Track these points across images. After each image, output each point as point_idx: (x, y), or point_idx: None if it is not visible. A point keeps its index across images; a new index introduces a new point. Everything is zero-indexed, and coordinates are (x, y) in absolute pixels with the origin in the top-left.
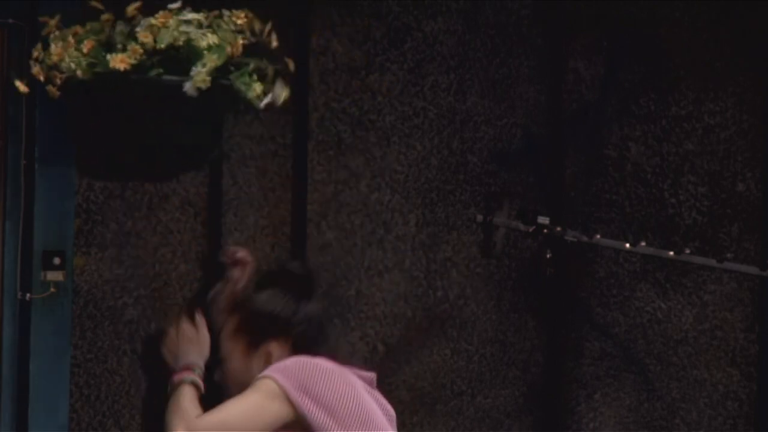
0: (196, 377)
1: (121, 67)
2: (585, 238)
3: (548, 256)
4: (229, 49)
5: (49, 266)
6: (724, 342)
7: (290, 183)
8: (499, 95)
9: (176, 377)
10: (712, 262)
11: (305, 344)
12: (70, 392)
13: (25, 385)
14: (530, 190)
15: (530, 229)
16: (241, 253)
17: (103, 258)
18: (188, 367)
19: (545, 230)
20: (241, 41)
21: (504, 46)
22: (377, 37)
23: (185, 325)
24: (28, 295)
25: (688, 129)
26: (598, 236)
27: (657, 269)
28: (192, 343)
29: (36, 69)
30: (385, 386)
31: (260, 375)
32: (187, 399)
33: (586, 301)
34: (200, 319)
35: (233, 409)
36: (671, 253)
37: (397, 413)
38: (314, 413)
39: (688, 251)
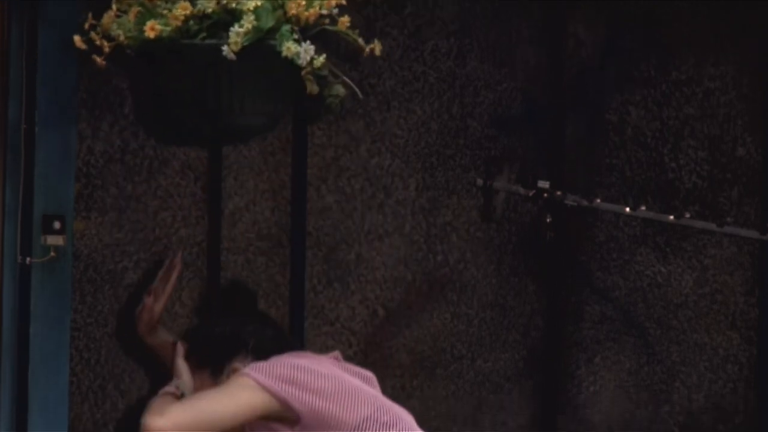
0: (174, 389)
1: (151, 35)
2: (585, 202)
3: (548, 220)
4: (280, 12)
5: (49, 230)
6: (724, 306)
7: (290, 147)
8: (499, 60)
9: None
10: (712, 226)
11: (265, 353)
12: (71, 356)
13: (25, 349)
14: (530, 155)
15: (530, 193)
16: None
17: (103, 222)
18: (169, 386)
19: (545, 194)
20: (309, 11)
21: (504, 10)
22: (377, 1)
23: (179, 361)
24: (28, 259)
25: (688, 93)
26: (599, 200)
27: (657, 233)
28: (179, 378)
29: (78, 38)
30: (385, 350)
31: (235, 375)
32: (162, 399)
33: (586, 265)
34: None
35: (206, 394)
36: (671, 217)
37: (396, 377)
38: (297, 396)
39: (688, 215)
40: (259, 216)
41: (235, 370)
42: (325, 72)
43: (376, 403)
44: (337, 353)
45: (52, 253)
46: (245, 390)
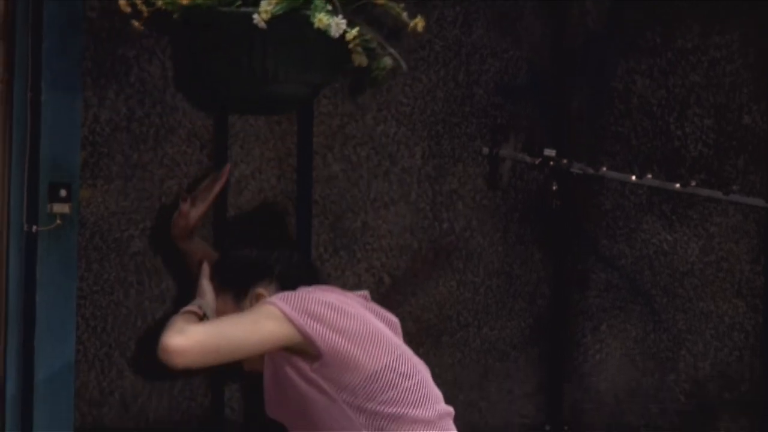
0: (197, 309)
1: (185, 1)
2: (591, 171)
3: (554, 188)
4: None
5: (55, 198)
6: (730, 274)
7: (296, 115)
8: (505, 28)
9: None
10: (718, 194)
11: (291, 282)
12: (77, 324)
13: (31, 317)
14: (536, 123)
15: (536, 162)
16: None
17: (109, 190)
18: (192, 305)
19: (551, 162)
20: None
21: None
22: None
23: (204, 281)
24: (34, 227)
25: (693, 62)
26: (605, 168)
27: (663, 201)
28: (202, 298)
29: (123, 2)
30: None
31: (260, 302)
32: (183, 317)
33: (592, 233)
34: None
35: (229, 320)
36: (677, 185)
37: None
38: (321, 333)
39: (694, 183)
40: (265, 184)
41: (258, 296)
42: (373, 44)
43: (396, 351)
44: (365, 293)
45: (58, 221)
46: (270, 319)
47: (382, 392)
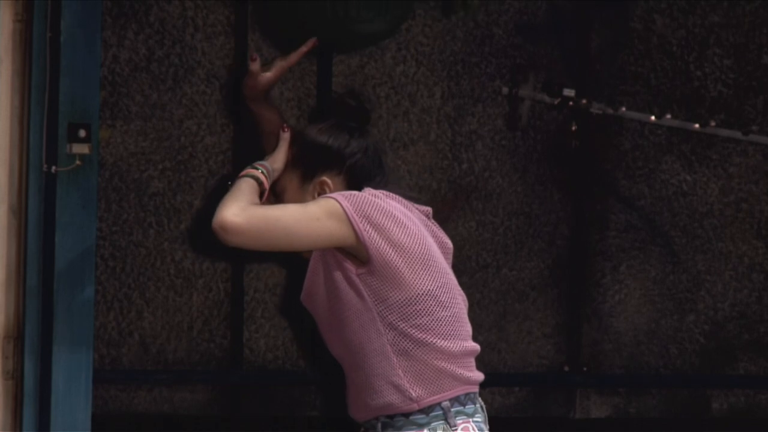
0: (261, 175)
1: None
2: (610, 111)
3: (573, 128)
4: None
5: (74, 139)
6: (749, 214)
7: (315, 55)
8: None
9: (240, 174)
10: (738, 135)
11: (359, 175)
12: (96, 264)
13: (50, 259)
14: (556, 63)
15: (556, 102)
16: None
17: (128, 130)
18: (254, 167)
19: (571, 103)
20: None
21: None
22: None
23: (283, 146)
24: (53, 167)
25: (713, 1)
26: (624, 109)
27: (682, 142)
28: (274, 164)
29: None
30: None
31: (323, 196)
32: (246, 187)
33: (612, 174)
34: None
35: (290, 210)
36: (696, 125)
37: None
38: (377, 243)
39: (713, 124)
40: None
41: (323, 183)
42: None
43: (442, 279)
44: (429, 209)
45: (78, 162)
46: (332, 219)
47: (417, 316)
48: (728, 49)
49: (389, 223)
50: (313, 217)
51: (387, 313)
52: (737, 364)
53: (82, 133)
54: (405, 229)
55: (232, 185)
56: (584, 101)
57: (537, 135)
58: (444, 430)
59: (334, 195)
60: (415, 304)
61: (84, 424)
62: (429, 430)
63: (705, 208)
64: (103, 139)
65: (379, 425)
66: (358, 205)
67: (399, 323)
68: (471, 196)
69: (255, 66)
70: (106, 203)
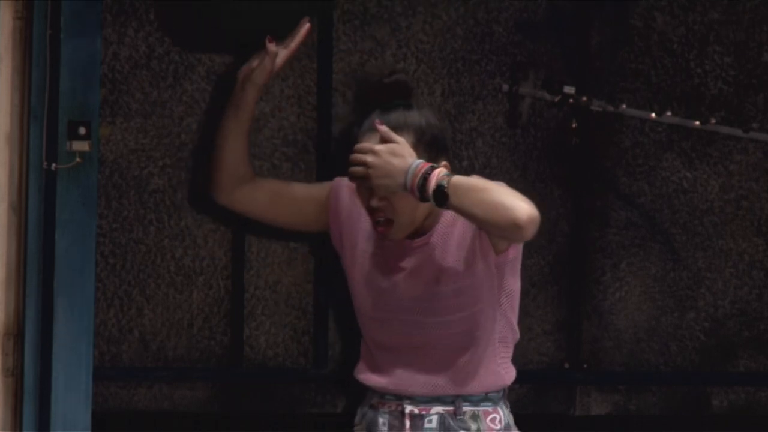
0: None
1: None
2: (611, 108)
3: (574, 125)
4: None
5: (74, 136)
6: (749, 212)
7: (316, 52)
8: None
9: (435, 172)
10: (738, 132)
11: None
12: (96, 262)
13: (50, 256)
14: (556, 60)
15: (556, 99)
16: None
17: (128, 128)
18: (432, 167)
19: (571, 100)
20: None
21: None
22: None
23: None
24: (53, 165)
25: None
26: (624, 106)
27: (683, 139)
28: (412, 156)
29: None
30: None
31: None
32: (497, 184)
33: (612, 171)
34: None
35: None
36: (697, 122)
37: None
38: None
39: (713, 121)
40: (284, 122)
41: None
42: None
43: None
44: None
45: (78, 159)
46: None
47: (516, 309)
48: (728, 46)
49: None
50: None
51: (504, 301)
52: (737, 361)
53: (82, 130)
54: None
55: (443, 188)
56: (584, 99)
57: (537, 132)
58: (505, 406)
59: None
60: (518, 296)
61: (84, 422)
62: (498, 406)
63: (705, 205)
64: (103, 137)
65: (459, 399)
66: None
67: (508, 312)
68: None
69: (273, 47)
70: (106, 200)
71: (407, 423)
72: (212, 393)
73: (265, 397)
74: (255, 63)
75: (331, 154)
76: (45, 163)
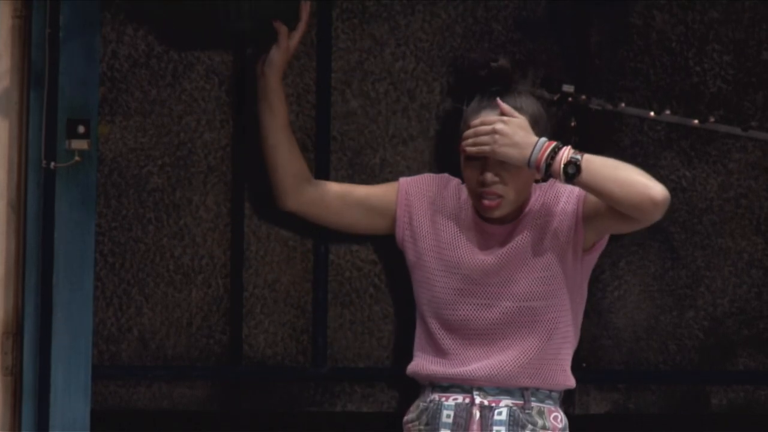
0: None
1: None
2: (610, 107)
3: (573, 124)
4: None
5: (73, 135)
6: (748, 210)
7: (314, 51)
8: None
9: (565, 148)
10: (737, 131)
11: None
12: (95, 261)
13: (49, 254)
14: (555, 59)
15: (555, 98)
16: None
17: (127, 126)
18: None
19: (570, 98)
20: None
21: None
22: None
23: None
24: (52, 163)
25: None
26: (623, 104)
27: (681, 137)
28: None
29: None
30: None
31: None
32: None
33: None
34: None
35: None
36: (696, 121)
37: None
38: None
39: (712, 119)
40: None
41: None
42: None
43: None
44: None
45: (77, 158)
46: None
47: (581, 316)
48: (728, 45)
49: None
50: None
51: (579, 302)
52: (736, 360)
53: (81, 129)
54: None
55: (575, 166)
56: (583, 97)
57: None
58: (562, 409)
59: None
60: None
61: (83, 420)
62: (558, 406)
63: (704, 204)
64: (102, 135)
65: (528, 392)
66: None
67: (580, 315)
68: None
69: (282, 27)
70: (105, 199)
71: (477, 414)
72: (211, 391)
73: (264, 395)
74: (266, 54)
75: (329, 154)
76: (44, 162)
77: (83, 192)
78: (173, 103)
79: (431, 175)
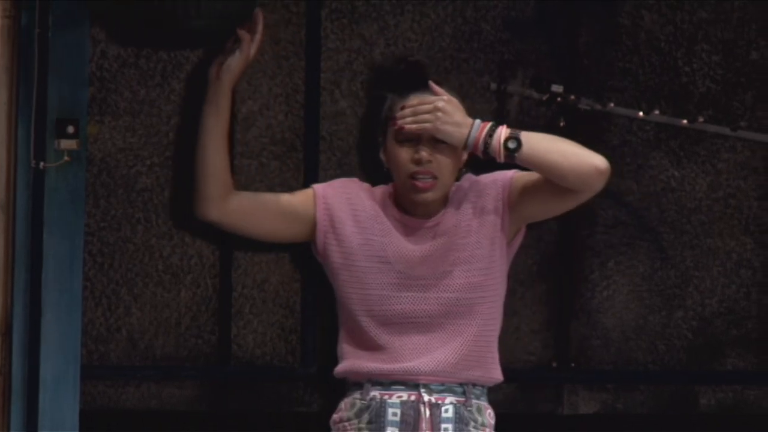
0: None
1: None
2: (599, 107)
3: (562, 124)
4: None
5: (62, 135)
6: (737, 210)
7: (303, 51)
8: None
9: (502, 127)
10: (726, 131)
11: None
12: (84, 261)
13: (38, 254)
14: (544, 59)
15: (544, 98)
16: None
17: (116, 126)
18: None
19: (559, 98)
20: None
21: None
22: None
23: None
24: (41, 163)
25: None
26: (612, 104)
27: (670, 138)
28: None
29: None
30: None
31: None
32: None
33: None
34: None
35: None
36: (685, 121)
37: None
38: None
39: (701, 119)
40: (272, 120)
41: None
42: None
43: None
44: None
45: (66, 158)
46: None
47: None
48: (716, 45)
49: None
50: None
51: (505, 290)
52: (725, 360)
53: (71, 129)
54: None
55: (516, 147)
56: (572, 97)
57: (526, 130)
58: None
59: None
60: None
61: (72, 420)
62: (488, 405)
63: (693, 204)
64: (91, 135)
65: (468, 388)
66: None
67: (503, 300)
68: None
69: (245, 34)
70: (94, 199)
71: (426, 412)
72: (200, 391)
73: (252, 395)
74: (224, 58)
75: (318, 154)
76: (33, 162)
77: (72, 192)
78: (162, 103)
79: (343, 179)
